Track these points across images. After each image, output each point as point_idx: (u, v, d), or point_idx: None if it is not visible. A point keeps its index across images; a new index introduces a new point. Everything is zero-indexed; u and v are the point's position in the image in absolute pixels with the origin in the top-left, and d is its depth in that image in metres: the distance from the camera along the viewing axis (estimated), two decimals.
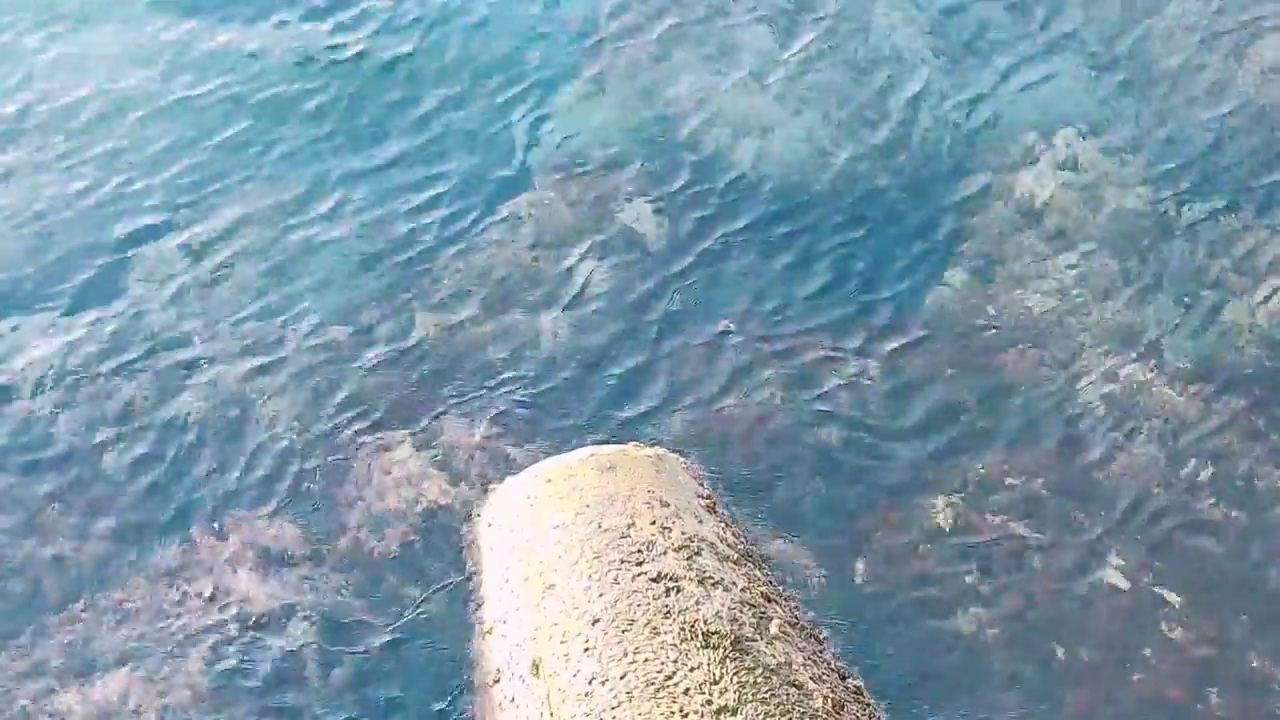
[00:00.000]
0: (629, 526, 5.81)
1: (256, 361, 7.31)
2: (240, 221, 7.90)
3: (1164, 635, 6.40)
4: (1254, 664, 6.31)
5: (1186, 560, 6.63)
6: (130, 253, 7.76)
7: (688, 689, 5.28)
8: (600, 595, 5.58)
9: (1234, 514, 6.77)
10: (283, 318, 7.49)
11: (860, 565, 6.60)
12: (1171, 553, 6.65)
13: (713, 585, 5.66)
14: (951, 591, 6.53)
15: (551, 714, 5.35)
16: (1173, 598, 6.51)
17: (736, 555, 5.96)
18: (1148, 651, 6.37)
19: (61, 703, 6.18)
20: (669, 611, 5.50)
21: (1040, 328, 7.46)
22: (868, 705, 5.78)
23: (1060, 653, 6.37)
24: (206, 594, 6.50)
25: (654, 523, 5.84)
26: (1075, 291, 7.59)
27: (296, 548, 6.64)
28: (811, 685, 5.49)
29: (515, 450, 6.90)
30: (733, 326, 7.46)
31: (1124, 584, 6.55)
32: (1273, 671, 6.27)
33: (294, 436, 7.02)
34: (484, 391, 7.19)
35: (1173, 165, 8.14)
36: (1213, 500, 6.81)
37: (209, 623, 6.42)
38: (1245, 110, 8.38)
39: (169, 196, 8.02)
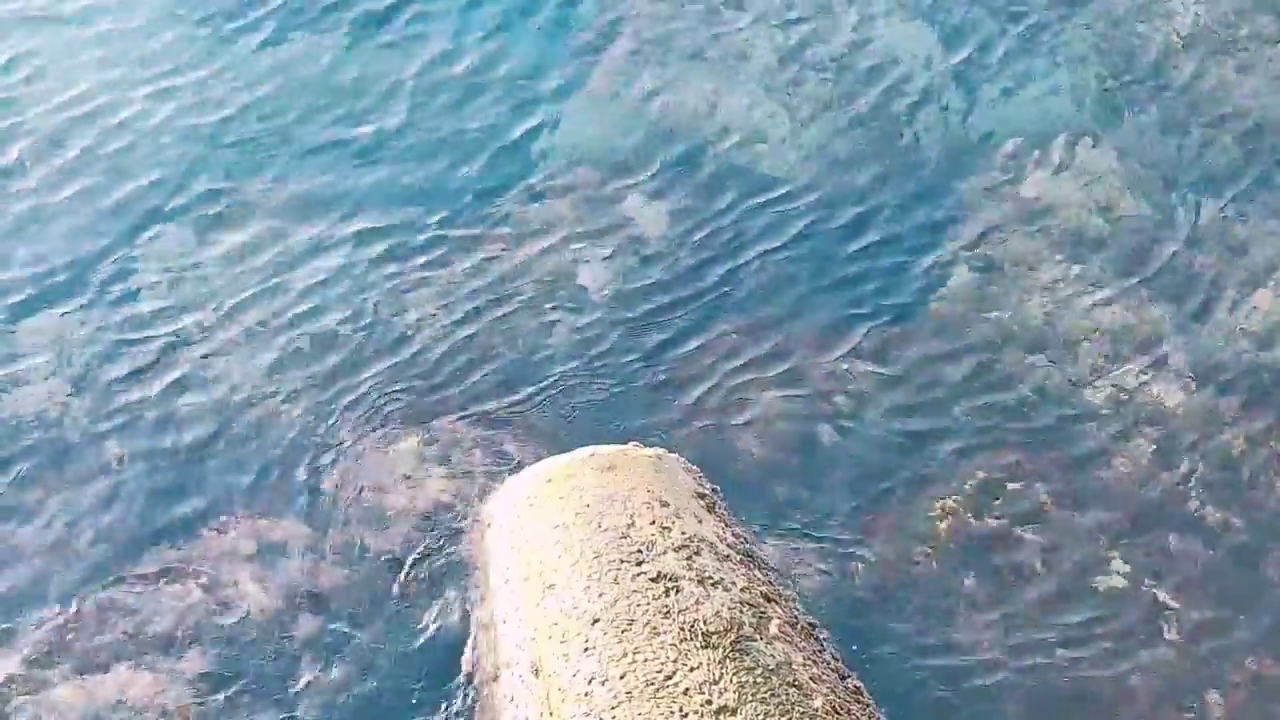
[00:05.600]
0: (629, 526, 5.81)
1: (259, 360, 7.31)
2: (243, 221, 7.90)
3: (1164, 637, 6.42)
4: (1254, 666, 6.32)
5: (1187, 562, 6.64)
6: (133, 252, 7.75)
7: (687, 689, 5.28)
8: (600, 595, 5.58)
9: (1234, 516, 6.78)
10: (286, 317, 7.49)
11: (860, 566, 6.61)
12: (1171, 555, 6.66)
13: (712, 585, 5.67)
14: (951, 593, 6.54)
15: (551, 714, 5.36)
16: (1172, 600, 6.52)
17: (736, 555, 5.96)
18: (1147, 654, 6.38)
19: (61, 699, 6.19)
20: (669, 611, 5.51)
21: (1040, 330, 7.47)
22: (867, 705, 5.79)
23: (1060, 656, 6.38)
24: (206, 591, 6.51)
25: (654, 522, 5.84)
26: (1075, 294, 7.60)
27: (297, 546, 6.65)
28: (811, 685, 5.49)
29: (515, 450, 6.91)
30: (733, 328, 7.47)
31: (1124, 585, 6.57)
32: (1274, 674, 6.28)
33: (295, 435, 7.03)
34: (485, 391, 7.20)
35: (1172, 168, 8.15)
36: (1213, 503, 6.82)
37: (209, 620, 6.43)
38: (1244, 115, 8.39)
39: (171, 196, 8.01)
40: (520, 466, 6.69)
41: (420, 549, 6.61)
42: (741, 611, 5.60)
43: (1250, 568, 6.64)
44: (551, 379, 7.24)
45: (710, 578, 5.70)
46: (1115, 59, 8.67)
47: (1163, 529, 6.74)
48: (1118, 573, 6.61)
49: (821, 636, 5.99)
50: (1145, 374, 7.28)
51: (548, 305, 7.56)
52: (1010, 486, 6.87)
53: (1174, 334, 7.43)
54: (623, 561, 5.68)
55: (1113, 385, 7.24)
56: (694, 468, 6.47)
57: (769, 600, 5.80)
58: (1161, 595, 6.54)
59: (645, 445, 6.49)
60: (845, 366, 7.32)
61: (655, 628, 5.46)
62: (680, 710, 5.22)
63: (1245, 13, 8.85)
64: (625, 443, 6.52)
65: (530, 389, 7.20)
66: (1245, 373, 7.29)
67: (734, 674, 5.34)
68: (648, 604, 5.53)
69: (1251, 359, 7.34)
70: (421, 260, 7.75)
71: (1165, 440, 7.04)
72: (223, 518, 6.78)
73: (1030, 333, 7.46)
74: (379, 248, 7.80)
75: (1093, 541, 6.69)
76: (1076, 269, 7.71)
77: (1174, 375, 7.27)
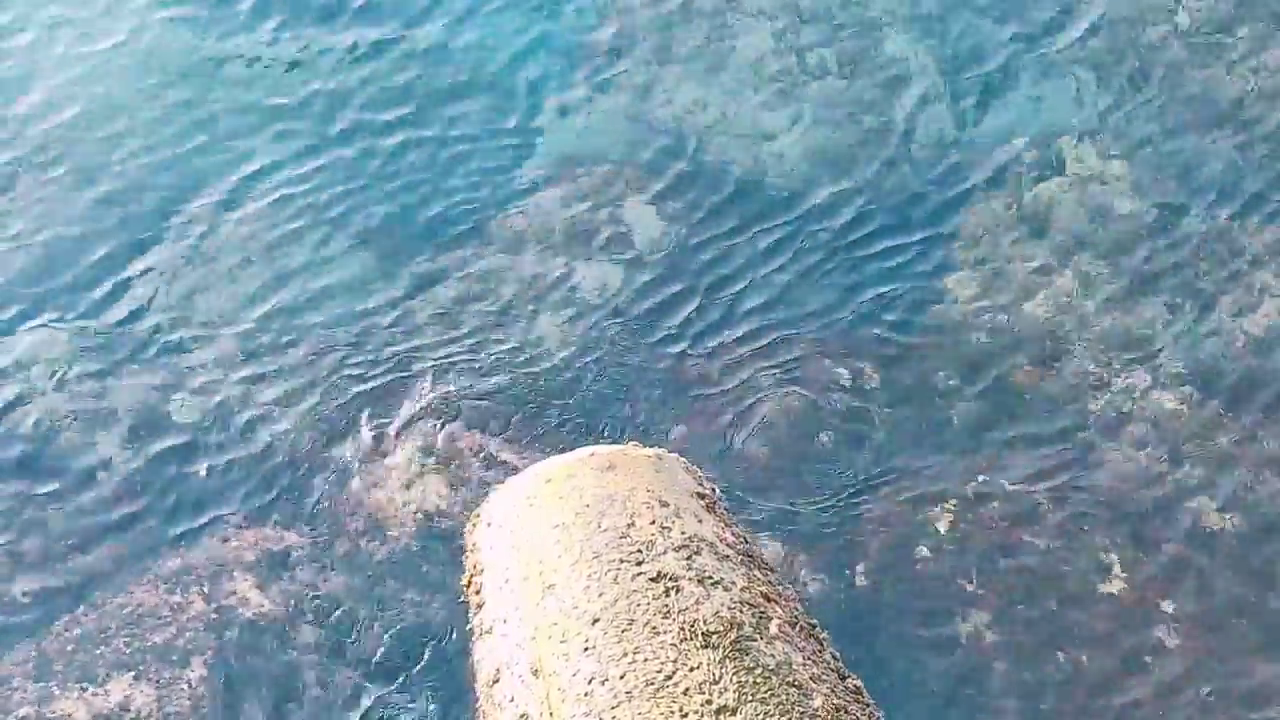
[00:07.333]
0: (628, 526, 5.80)
1: (257, 365, 7.34)
2: (241, 226, 7.94)
3: (1163, 641, 6.41)
4: (1253, 670, 6.32)
5: (1185, 566, 6.64)
6: (132, 258, 7.79)
7: (687, 689, 5.26)
8: (600, 595, 5.57)
9: (1232, 520, 6.78)
10: (283, 321, 7.52)
11: (860, 567, 6.61)
12: (1170, 559, 6.66)
13: (712, 585, 5.65)
14: (950, 595, 6.55)
15: (551, 714, 5.34)
16: (1171, 604, 6.52)
17: (736, 555, 5.95)
18: (1146, 657, 6.37)
19: (63, 708, 6.19)
20: (669, 611, 5.49)
21: (1039, 333, 7.48)
22: (867, 705, 5.77)
23: (1059, 657, 6.38)
24: (207, 598, 6.52)
25: (654, 522, 5.83)
26: (1074, 297, 7.62)
27: (297, 551, 6.66)
28: (811, 685, 5.47)
29: (515, 451, 6.92)
30: (732, 329, 7.49)
31: (1123, 589, 6.56)
32: (1272, 678, 6.27)
33: (294, 439, 7.05)
34: (484, 392, 7.22)
35: (1171, 171, 8.17)
36: (1211, 506, 6.82)
37: (210, 627, 6.43)
38: (1243, 118, 8.41)
39: (170, 202, 8.05)
40: (520, 467, 6.69)
41: (419, 552, 6.63)
42: (741, 611, 5.59)
43: (1249, 570, 6.63)
44: (551, 380, 7.26)
45: (710, 578, 5.69)
46: (1115, 61, 8.70)
47: (1162, 531, 6.75)
48: (1117, 575, 6.60)
49: (821, 636, 5.98)
50: (1144, 377, 7.29)
51: (545, 308, 7.58)
52: (1010, 488, 6.88)
53: (1173, 337, 7.44)
54: (623, 561, 5.67)
55: (1112, 388, 7.25)
56: (694, 468, 6.45)
57: (769, 600, 5.78)
58: (1161, 598, 6.54)
59: (645, 445, 6.50)
60: (845, 367, 7.34)
61: (655, 628, 5.44)
62: (680, 710, 5.21)
63: (1245, 16, 8.89)
64: (625, 443, 6.54)
65: (529, 390, 7.22)
66: (1244, 377, 7.29)
67: (734, 674, 5.32)
68: (648, 604, 5.52)
69: (1251, 363, 7.35)
70: (418, 267, 7.78)
71: (1164, 443, 7.04)
72: (224, 526, 6.79)
73: (1029, 335, 7.47)
74: (375, 255, 7.84)
75: (1092, 543, 6.69)
76: (1076, 272, 7.73)
77: (1173, 379, 7.28)
